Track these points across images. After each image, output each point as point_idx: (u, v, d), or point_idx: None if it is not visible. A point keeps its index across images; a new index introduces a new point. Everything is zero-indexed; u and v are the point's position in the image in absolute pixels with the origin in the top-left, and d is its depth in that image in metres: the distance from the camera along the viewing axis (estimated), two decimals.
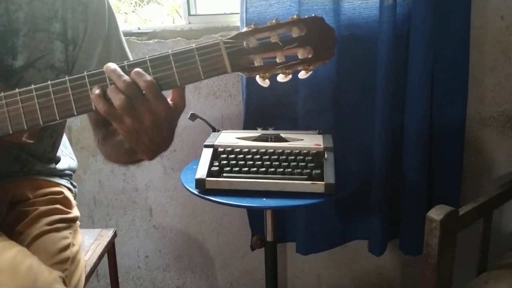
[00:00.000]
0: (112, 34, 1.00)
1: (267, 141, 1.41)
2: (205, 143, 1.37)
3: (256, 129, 1.52)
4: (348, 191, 1.29)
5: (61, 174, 1.12)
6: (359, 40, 1.56)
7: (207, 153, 1.33)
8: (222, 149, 1.34)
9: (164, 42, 1.70)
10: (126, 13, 2.29)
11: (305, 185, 1.20)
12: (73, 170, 1.19)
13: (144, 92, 0.71)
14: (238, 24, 1.65)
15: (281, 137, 1.42)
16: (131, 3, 2.32)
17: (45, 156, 1.06)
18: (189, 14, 1.75)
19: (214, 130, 1.53)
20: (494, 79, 1.59)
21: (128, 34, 1.70)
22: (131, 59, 1.02)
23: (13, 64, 0.92)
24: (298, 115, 1.61)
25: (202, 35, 1.69)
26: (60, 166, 1.12)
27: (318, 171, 1.22)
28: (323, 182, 1.19)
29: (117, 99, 0.70)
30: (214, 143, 1.36)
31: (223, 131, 1.52)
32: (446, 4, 1.49)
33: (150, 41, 1.71)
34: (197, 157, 1.56)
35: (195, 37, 1.70)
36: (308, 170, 1.23)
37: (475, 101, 1.61)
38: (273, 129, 1.51)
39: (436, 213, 1.05)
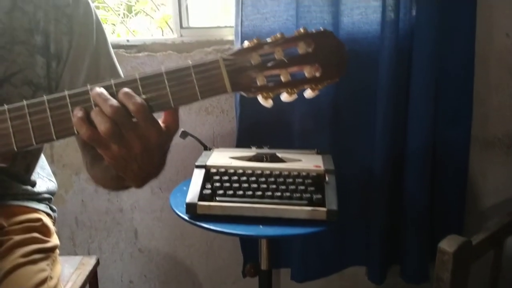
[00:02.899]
0: (101, 48, 0.91)
1: (262, 161, 1.33)
2: (196, 163, 1.28)
3: (251, 148, 1.43)
4: (349, 216, 1.21)
5: (39, 198, 1.02)
6: (358, 56, 1.50)
7: (198, 174, 1.23)
8: (214, 170, 1.25)
9: (154, 56, 1.62)
10: (114, 24, 2.21)
11: (305, 211, 1.11)
12: (52, 193, 1.09)
13: (133, 116, 0.62)
14: (232, 37, 1.58)
15: (278, 157, 1.34)
16: (119, 14, 2.24)
17: (19, 179, 0.96)
18: (181, 27, 1.67)
19: (205, 148, 1.44)
20: (498, 98, 1.54)
21: (116, 46, 1.61)
22: (122, 74, 0.95)
23: None
24: (295, 133, 1.54)
25: (194, 48, 1.61)
26: (37, 189, 1.02)
27: (319, 196, 1.13)
28: (325, 209, 1.11)
29: (102, 124, 0.60)
30: (206, 163, 1.27)
31: (215, 149, 1.44)
32: (450, 20, 1.45)
33: (140, 54, 1.63)
34: (186, 176, 1.47)
35: (187, 50, 1.62)
36: (308, 195, 1.14)
37: (479, 121, 1.55)
38: (269, 148, 1.43)
39: (448, 244, 0.97)
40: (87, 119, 0.62)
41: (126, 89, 0.63)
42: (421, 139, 1.49)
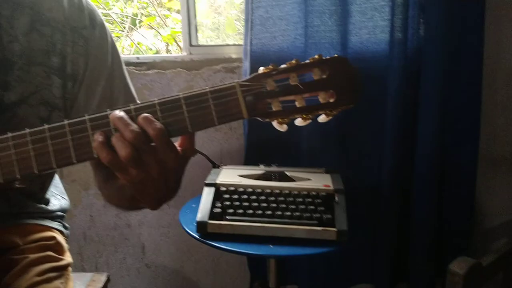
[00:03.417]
0: (115, 70, 0.92)
1: (271, 179, 1.33)
2: (206, 181, 1.29)
3: (259, 165, 1.44)
4: (358, 235, 1.21)
5: (53, 216, 1.03)
6: (367, 75, 1.50)
7: (208, 193, 1.24)
8: (224, 189, 1.26)
9: (163, 73, 1.64)
10: (119, 37, 2.24)
11: (315, 231, 1.12)
12: (65, 211, 1.10)
13: (152, 140, 0.63)
14: (240, 55, 1.60)
15: (287, 175, 1.35)
16: (124, 27, 2.27)
17: (34, 197, 0.97)
18: (190, 45, 1.69)
19: (214, 166, 1.45)
20: (506, 118, 1.55)
21: (126, 63, 1.60)
22: (135, 95, 0.96)
23: (4, 99, 0.84)
24: (303, 151, 1.55)
25: (203, 66, 1.63)
26: (51, 207, 1.03)
27: (329, 216, 1.14)
28: (335, 229, 1.11)
29: (123, 150, 0.62)
30: (216, 182, 1.28)
31: (223, 167, 1.44)
32: (458, 39, 1.46)
33: (149, 71, 1.64)
34: (194, 193, 1.48)
35: (195, 68, 1.64)
36: (318, 215, 1.15)
37: (486, 140, 1.55)
38: (277, 166, 1.43)
39: (459, 266, 0.97)
40: (108, 144, 0.63)
41: (146, 114, 0.64)
42: (429, 158, 1.49)
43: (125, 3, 2.39)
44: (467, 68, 1.48)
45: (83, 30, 0.88)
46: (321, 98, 0.70)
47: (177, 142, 0.68)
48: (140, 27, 2.34)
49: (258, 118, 0.69)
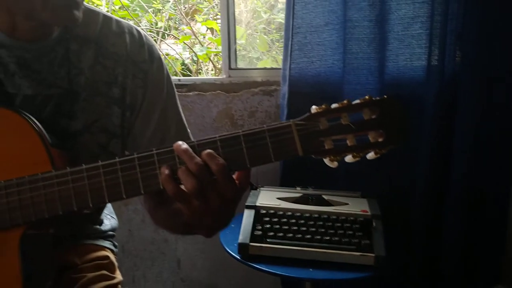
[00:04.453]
0: (170, 100, 0.98)
1: (308, 203, 1.37)
2: (246, 203, 1.33)
3: (295, 188, 1.48)
4: (395, 263, 1.24)
5: (105, 236, 1.09)
6: (403, 100, 1.53)
7: (249, 215, 1.29)
8: (264, 211, 1.30)
9: (203, 95, 1.70)
10: None
11: (353, 256, 1.16)
12: (115, 230, 1.16)
13: (214, 174, 0.68)
14: (278, 79, 1.64)
15: (324, 199, 1.39)
16: (155, 39, 2.34)
17: (91, 219, 1.03)
18: (230, 68, 1.75)
19: (252, 187, 1.49)
20: None
21: None
22: (186, 123, 1.02)
23: (69, 128, 0.90)
24: (339, 173, 1.58)
25: (241, 89, 1.69)
26: (103, 227, 1.09)
27: (367, 241, 1.18)
28: (373, 254, 1.15)
29: (188, 182, 0.67)
30: (256, 204, 1.32)
31: (261, 188, 1.49)
32: (494, 67, 1.47)
33: (190, 93, 1.71)
34: None
35: (234, 90, 1.69)
36: (356, 240, 1.19)
37: None
38: (313, 189, 1.47)
39: None
40: (173, 176, 0.69)
41: (209, 150, 0.69)
42: (463, 183, 1.50)
43: (155, 15, 2.47)
44: (503, 96, 1.50)
45: (142, 64, 0.94)
46: (371, 137, 0.74)
47: (234, 175, 0.73)
48: (163, 37, 2.42)
49: (312, 156, 0.73)
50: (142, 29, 1.00)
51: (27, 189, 0.73)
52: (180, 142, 0.70)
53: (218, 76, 2.09)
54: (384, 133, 0.74)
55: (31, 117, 0.78)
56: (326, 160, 0.74)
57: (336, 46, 1.54)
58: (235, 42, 1.75)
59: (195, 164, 0.67)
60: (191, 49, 2.32)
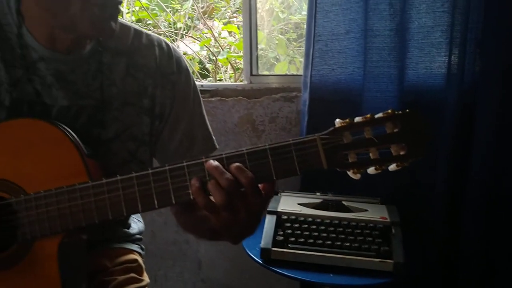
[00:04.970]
0: (196, 109, 1.02)
1: (328, 209, 1.40)
2: (268, 209, 1.36)
3: (315, 193, 1.51)
4: (415, 269, 1.26)
5: (133, 239, 1.13)
6: (422, 107, 1.55)
7: (270, 220, 1.32)
8: (285, 217, 1.33)
9: (225, 101, 1.73)
10: None
11: (373, 262, 1.18)
12: (142, 233, 1.20)
13: (243, 187, 0.72)
14: (298, 85, 1.67)
15: (344, 205, 1.41)
16: (172, 38, 2.38)
17: (121, 223, 1.08)
18: (251, 74, 1.78)
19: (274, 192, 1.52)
20: None
21: None
22: (211, 130, 1.05)
23: (101, 136, 0.94)
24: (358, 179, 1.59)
25: (263, 95, 1.72)
26: (131, 231, 1.13)
27: (387, 248, 1.20)
28: (392, 261, 1.18)
29: (218, 196, 0.71)
30: (278, 210, 1.35)
31: (282, 194, 1.52)
32: None
33: (212, 99, 1.75)
34: None
35: (255, 96, 1.73)
36: (376, 246, 1.21)
37: None
38: (333, 194, 1.50)
39: None
40: (203, 188, 0.72)
41: (238, 164, 0.72)
42: (482, 190, 1.51)
43: (173, 14, 2.51)
44: None
45: (171, 76, 0.98)
46: (393, 150, 0.76)
47: (260, 185, 0.77)
48: (181, 38, 2.46)
49: (337, 169, 0.76)
50: (164, 33, 1.03)
51: (65, 199, 0.77)
52: (211, 161, 0.73)
53: (237, 79, 2.13)
54: (406, 147, 0.76)
55: (67, 128, 0.82)
56: (350, 173, 0.77)
57: (357, 54, 1.56)
58: (257, 49, 1.78)
59: (226, 179, 0.71)
60: (212, 53, 2.36)
